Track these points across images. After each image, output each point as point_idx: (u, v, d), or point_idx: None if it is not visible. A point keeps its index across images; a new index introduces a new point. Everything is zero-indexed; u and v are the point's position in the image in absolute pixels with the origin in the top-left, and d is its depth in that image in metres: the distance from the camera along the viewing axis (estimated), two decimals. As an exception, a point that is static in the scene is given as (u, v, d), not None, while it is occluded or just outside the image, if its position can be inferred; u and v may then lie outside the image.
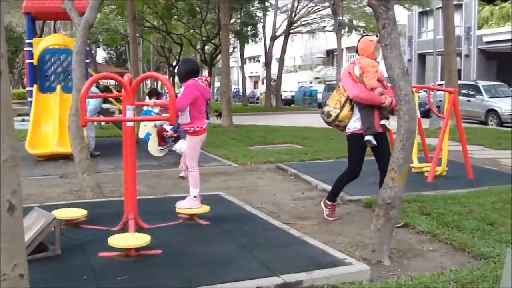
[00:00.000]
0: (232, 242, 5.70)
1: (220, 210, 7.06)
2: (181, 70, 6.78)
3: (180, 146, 10.16)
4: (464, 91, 25.17)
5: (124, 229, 5.88)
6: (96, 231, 5.93)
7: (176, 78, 41.82)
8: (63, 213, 6.18)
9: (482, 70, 39.99)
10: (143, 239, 5.21)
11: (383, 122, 6.50)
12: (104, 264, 4.99)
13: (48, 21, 34.62)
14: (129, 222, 5.86)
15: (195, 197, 6.58)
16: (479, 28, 40.49)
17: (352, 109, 6.58)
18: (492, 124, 23.80)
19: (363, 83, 6.41)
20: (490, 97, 24.79)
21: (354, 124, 6.58)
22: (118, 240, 5.16)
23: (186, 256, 5.24)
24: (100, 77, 7.13)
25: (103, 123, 19.48)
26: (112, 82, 33.25)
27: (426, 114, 21.05)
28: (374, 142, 6.48)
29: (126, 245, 5.11)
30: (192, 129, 6.58)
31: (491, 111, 24.20)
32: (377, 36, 5.83)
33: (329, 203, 7.01)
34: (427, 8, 38.31)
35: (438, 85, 23.86)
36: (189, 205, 6.56)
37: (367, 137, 6.46)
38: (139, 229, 5.85)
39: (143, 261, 5.05)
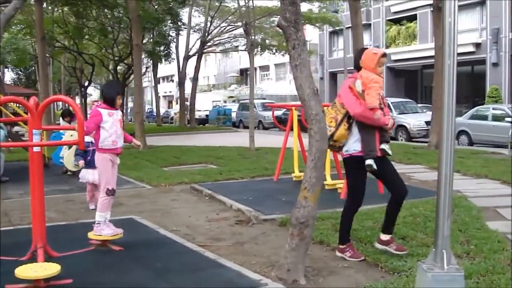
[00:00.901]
0: (146, 268, 5.59)
1: (133, 235, 6.92)
2: None
3: (93, 176, 8.39)
4: (374, 108, 25.81)
5: (33, 259, 5.64)
6: (3, 262, 5.66)
7: (89, 99, 40.50)
8: (-34, 244, 5.90)
9: (391, 87, 41.29)
10: (52, 269, 5.02)
11: (383, 146, 5.84)
12: (11, 297, 4.77)
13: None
14: (38, 251, 5.63)
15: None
16: (387, 47, 41.89)
17: (349, 128, 5.87)
18: (401, 140, 24.57)
19: (364, 100, 5.73)
20: (399, 114, 25.57)
21: (354, 146, 5.88)
22: (25, 271, 4.94)
23: (98, 284, 5.09)
24: (4, 101, 6.88)
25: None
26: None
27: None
28: (375, 166, 5.75)
29: (34, 276, 4.90)
30: None
31: (400, 127, 24.96)
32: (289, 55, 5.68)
33: (343, 246, 6.06)
34: (337, 28, 39.32)
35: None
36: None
37: (368, 161, 5.75)
38: (48, 258, 5.62)
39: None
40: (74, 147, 11.65)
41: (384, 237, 5.96)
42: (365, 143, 5.79)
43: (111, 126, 6.39)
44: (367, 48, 6.12)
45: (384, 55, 5.86)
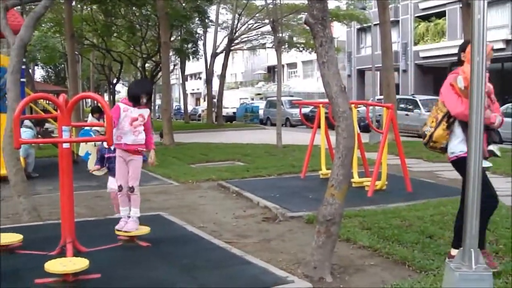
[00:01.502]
0: (172, 264, 5.63)
1: (161, 231, 6.96)
2: None
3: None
4: (402, 106, 25.67)
5: (62, 254, 5.70)
6: (33, 257, 5.75)
7: (117, 96, 40.74)
8: (-3, 239, 5.98)
9: (419, 85, 40.97)
10: (81, 263, 5.07)
11: (491, 147, 5.35)
12: (40, 291, 4.83)
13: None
14: (67, 246, 5.71)
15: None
16: (416, 43, 41.56)
17: (448, 127, 5.38)
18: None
19: (468, 97, 4.87)
20: (428, 111, 25.26)
21: (459, 147, 5.30)
22: (55, 266, 5.01)
23: (125, 280, 5.13)
24: (34, 98, 6.98)
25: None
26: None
27: (366, 128, 21.36)
28: (488, 164, 5.20)
29: (63, 270, 4.95)
30: None
31: (429, 125, 24.64)
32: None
33: (483, 250, 5.14)
34: (365, 25, 39.11)
35: (377, 99, 24.29)
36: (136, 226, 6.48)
37: None
38: (77, 253, 5.69)
39: (81, 287, 4.92)
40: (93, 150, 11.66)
41: None
42: None
43: (120, 122, 6.36)
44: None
45: (492, 47, 5.24)
